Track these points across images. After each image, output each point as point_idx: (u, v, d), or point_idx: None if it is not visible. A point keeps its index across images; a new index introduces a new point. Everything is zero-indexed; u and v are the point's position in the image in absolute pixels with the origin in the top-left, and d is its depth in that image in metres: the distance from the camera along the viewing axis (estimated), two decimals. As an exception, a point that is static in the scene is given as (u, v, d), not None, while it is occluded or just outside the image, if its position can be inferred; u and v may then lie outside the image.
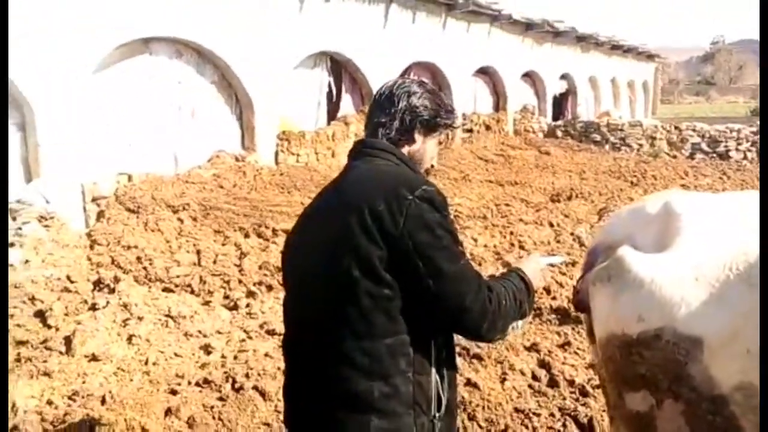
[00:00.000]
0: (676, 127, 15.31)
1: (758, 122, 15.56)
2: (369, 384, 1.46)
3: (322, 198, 1.67)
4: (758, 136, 14.48)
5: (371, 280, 1.45)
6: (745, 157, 14.15)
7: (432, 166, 1.75)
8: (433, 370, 1.52)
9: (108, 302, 4.65)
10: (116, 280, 5.05)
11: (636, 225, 1.92)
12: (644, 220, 1.90)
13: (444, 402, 1.54)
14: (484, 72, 15.31)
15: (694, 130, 15.13)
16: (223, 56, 8.59)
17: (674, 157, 14.33)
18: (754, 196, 1.87)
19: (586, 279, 1.91)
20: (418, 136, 1.66)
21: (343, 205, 1.52)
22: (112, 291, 4.88)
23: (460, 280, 1.46)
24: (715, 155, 14.41)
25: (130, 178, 7.46)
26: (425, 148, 1.69)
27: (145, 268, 5.45)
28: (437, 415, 1.52)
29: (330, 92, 11.06)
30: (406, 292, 1.46)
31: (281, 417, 3.01)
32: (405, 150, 1.65)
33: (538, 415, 3.03)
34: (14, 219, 5.77)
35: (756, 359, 1.58)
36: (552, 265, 1.90)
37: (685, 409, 1.69)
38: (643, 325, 1.70)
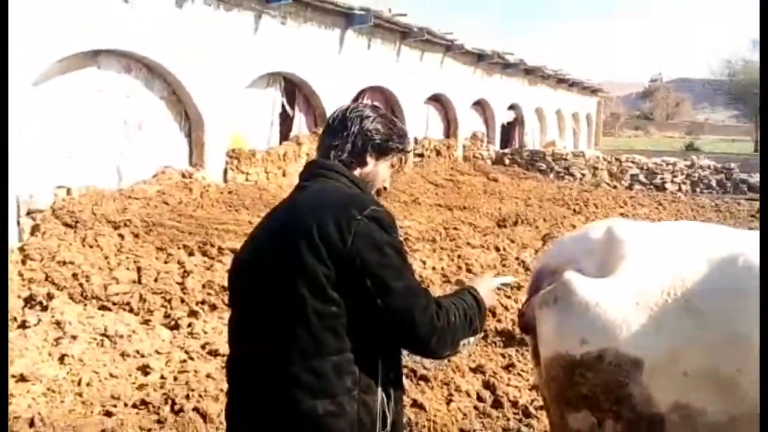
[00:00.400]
0: (616, 159, 15.98)
1: (692, 157, 16.42)
2: (314, 402, 1.45)
3: (272, 217, 1.66)
4: (692, 170, 15.26)
5: (319, 298, 1.45)
6: (679, 189, 14.88)
7: (384, 188, 1.78)
8: (380, 389, 1.52)
9: (39, 320, 4.42)
10: (49, 297, 4.81)
11: (580, 250, 1.97)
12: (587, 245, 1.96)
13: (389, 421, 1.54)
14: (436, 99, 15.61)
15: (633, 162, 15.83)
16: (174, 72, 8.44)
17: (614, 187, 14.93)
18: (690, 226, 1.96)
19: (532, 302, 1.95)
20: (370, 159, 1.67)
21: (293, 224, 1.52)
22: (44, 308, 4.65)
23: (408, 297, 1.47)
24: (652, 186, 15.09)
25: (69, 191, 7.16)
26: (377, 170, 1.70)
27: (81, 285, 5.21)
28: None
29: (283, 112, 11.01)
30: (354, 310, 1.46)
31: (222, 440, 2.92)
32: (357, 172, 1.66)
33: (483, 437, 3.04)
34: (-60, 230, 5.44)
35: (691, 380, 1.64)
36: (503, 285, 1.93)
37: (624, 428, 1.73)
38: (587, 346, 1.74)
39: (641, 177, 15.44)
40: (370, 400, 1.50)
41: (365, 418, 1.49)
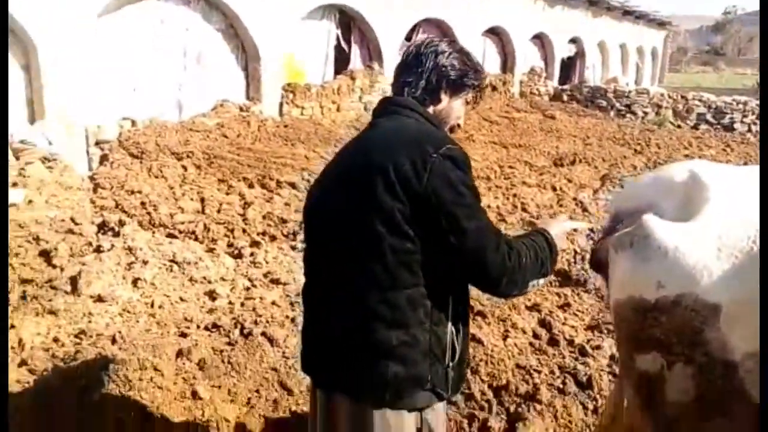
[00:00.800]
0: (682, 97, 15.15)
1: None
2: (389, 333, 1.51)
3: (346, 154, 1.67)
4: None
5: (395, 235, 1.47)
6: (749, 130, 14.07)
7: (458, 125, 1.76)
8: (450, 323, 1.58)
9: (113, 245, 4.66)
10: (120, 223, 5.05)
11: (659, 192, 1.91)
12: (668, 187, 1.90)
13: (458, 352, 1.60)
14: (494, 32, 15.02)
15: (700, 101, 14.98)
16: (230, 3, 8.39)
17: (679, 126, 14.24)
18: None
19: (607, 242, 1.92)
20: (444, 96, 1.67)
21: (367, 161, 1.53)
22: (116, 234, 4.88)
23: (480, 236, 1.48)
24: (719, 127, 14.31)
25: (133, 123, 7.38)
26: (451, 107, 1.69)
27: (149, 213, 5.44)
28: (450, 364, 1.59)
29: (338, 45, 10.85)
30: (427, 246, 1.50)
31: (289, 363, 3.08)
32: (431, 109, 1.67)
33: (539, 372, 3.09)
34: (17, 159, 5.73)
35: (771, 328, 1.61)
36: (575, 230, 1.92)
37: (695, 372, 1.72)
38: (663, 291, 1.71)
39: (708, 116, 14.64)
40: (441, 332, 1.56)
41: (436, 349, 1.56)
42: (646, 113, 14.95)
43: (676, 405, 1.72)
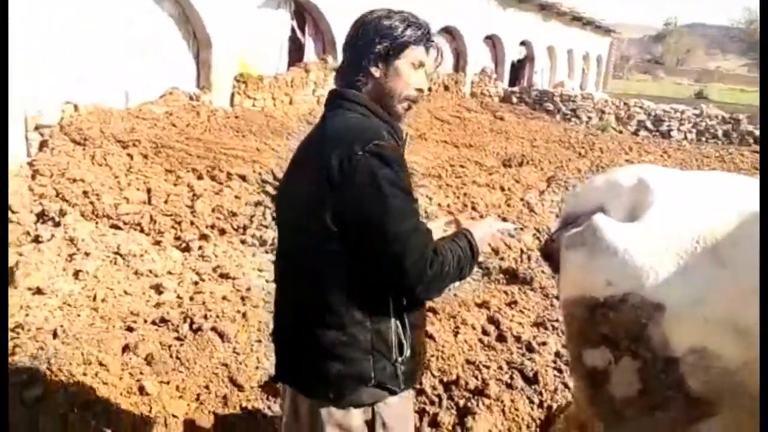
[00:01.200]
0: (624, 103, 15.75)
1: (701, 105, 16.19)
2: (327, 333, 1.51)
3: (299, 151, 1.65)
4: (700, 119, 15.10)
5: (324, 236, 1.46)
6: (685, 138, 14.76)
7: (420, 91, 1.59)
8: (393, 318, 1.54)
9: (53, 235, 4.48)
10: (61, 213, 4.86)
11: (609, 195, 1.99)
12: (618, 190, 1.97)
13: (407, 346, 1.57)
14: (448, 31, 15.18)
15: (641, 108, 15.61)
16: (182, -13, 8.17)
17: (620, 132, 14.80)
18: (721, 177, 1.97)
19: (559, 240, 1.98)
20: (375, 70, 1.54)
21: (308, 159, 1.53)
22: (57, 224, 4.70)
23: (401, 242, 1.40)
24: (657, 133, 14.95)
25: (76, 108, 7.07)
26: (390, 78, 1.54)
27: (92, 203, 5.25)
28: (399, 359, 1.56)
29: (293, 36, 10.72)
30: (355, 247, 1.45)
31: (240, 358, 3.04)
32: (369, 87, 1.55)
33: (488, 367, 3.16)
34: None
35: (710, 326, 1.70)
36: (504, 231, 1.88)
37: (640, 366, 1.80)
38: (612, 289, 1.78)
39: (648, 123, 15.27)
40: (384, 328, 1.53)
41: (379, 345, 1.53)
42: (590, 118, 15.46)
43: (622, 399, 1.80)
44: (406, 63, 1.54)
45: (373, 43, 1.52)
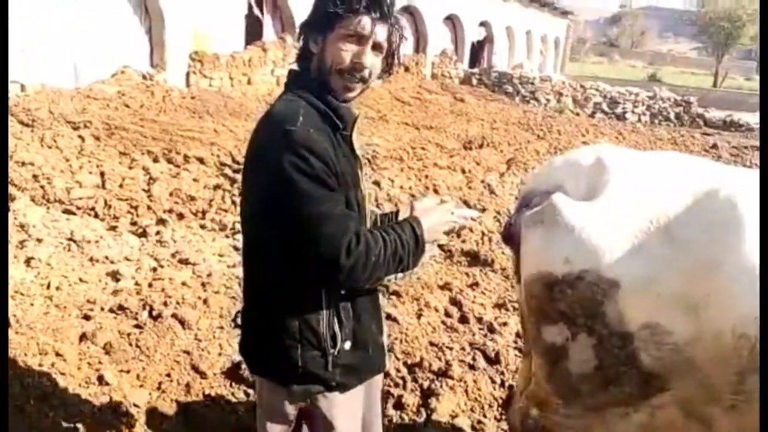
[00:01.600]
0: (581, 86, 16.04)
1: (654, 88, 16.62)
2: (261, 321, 1.55)
3: None
4: (653, 101, 15.51)
5: (249, 224, 1.51)
6: (639, 120, 15.15)
7: (356, 64, 1.45)
8: (324, 308, 1.49)
9: (2, 221, 4.29)
10: (11, 198, 4.66)
11: (568, 173, 2.02)
12: (576, 169, 2.01)
13: (342, 337, 1.52)
14: (408, 11, 15.09)
15: (597, 90, 15.93)
16: (132, -39, 7.86)
17: (577, 114, 15.07)
18: (676, 157, 2.03)
19: (519, 219, 2.01)
20: (313, 46, 1.48)
21: (247, 148, 1.54)
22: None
23: (312, 227, 1.36)
24: (613, 116, 15.30)
25: (23, 87, 6.78)
26: (327, 50, 1.45)
27: (42, 188, 5.06)
28: (332, 351, 1.51)
29: (250, 14, 10.48)
30: (273, 236, 1.42)
31: (201, 345, 3.00)
32: (313, 64, 1.49)
33: (451, 348, 3.21)
34: None
35: (662, 302, 1.77)
36: (463, 218, 1.77)
37: (596, 342, 1.86)
38: (569, 266, 1.82)
39: (604, 106, 15.60)
40: (313, 318, 1.49)
41: (308, 334, 1.49)
42: (548, 100, 15.70)
43: (578, 375, 1.86)
44: (339, 34, 1.44)
45: (310, 16, 1.49)
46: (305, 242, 1.37)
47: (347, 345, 1.54)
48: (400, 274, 1.55)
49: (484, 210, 5.90)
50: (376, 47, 1.48)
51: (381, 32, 1.47)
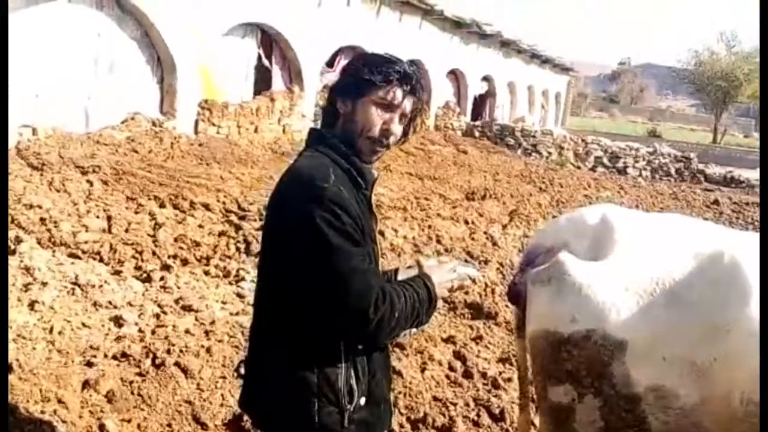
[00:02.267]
0: (582, 140, 16.28)
1: (655, 144, 16.87)
2: (276, 375, 1.53)
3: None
4: (654, 156, 15.71)
5: (274, 277, 1.51)
6: (640, 175, 15.31)
7: (386, 131, 1.54)
8: (344, 364, 1.51)
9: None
10: (17, 240, 4.70)
11: (574, 232, 2.06)
12: (582, 228, 2.05)
13: (358, 394, 1.53)
14: (413, 65, 15.47)
15: (598, 145, 16.16)
16: (147, 12, 8.12)
17: (578, 167, 15.25)
18: (680, 220, 2.07)
19: (525, 277, 2.03)
20: (341, 105, 1.55)
21: (271, 202, 1.56)
22: (12, 252, 4.53)
23: (342, 283, 1.40)
24: (614, 170, 15.47)
25: (34, 131, 6.91)
26: (356, 117, 1.53)
27: (49, 231, 5.09)
28: (349, 407, 1.51)
29: (259, 64, 10.77)
30: (300, 290, 1.45)
31: (204, 395, 2.97)
32: (338, 123, 1.56)
33: (455, 404, 3.17)
34: None
35: (669, 365, 1.77)
36: (463, 277, 1.79)
37: (602, 404, 1.85)
38: (576, 325, 1.84)
39: (605, 160, 15.79)
40: (332, 374, 1.50)
41: (327, 390, 1.49)
42: (550, 153, 15.91)
43: (586, 436, 1.84)
44: (371, 101, 1.51)
45: (344, 80, 1.56)
46: (335, 296, 1.41)
47: (362, 401, 1.54)
48: (414, 329, 1.59)
49: (487, 262, 5.92)
50: (402, 116, 1.57)
51: (408, 104, 1.57)
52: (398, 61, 1.57)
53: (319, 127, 1.65)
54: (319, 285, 1.42)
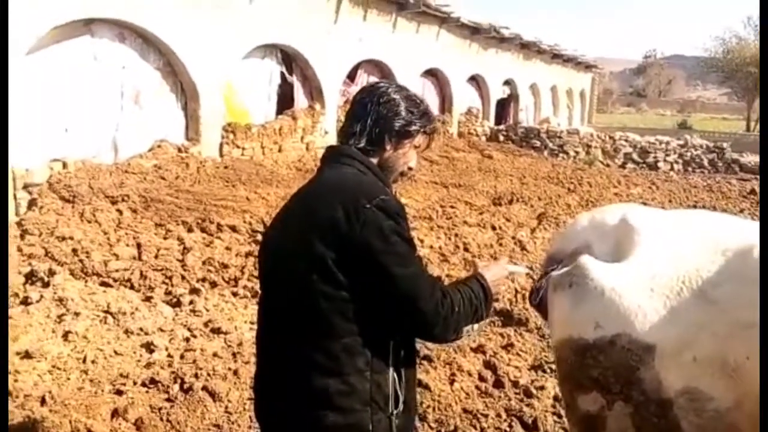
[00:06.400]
0: (610, 137, 16.00)
1: (685, 136, 16.46)
2: (325, 381, 1.52)
3: (293, 201, 1.71)
4: (685, 149, 15.33)
5: (327, 283, 1.51)
6: (671, 168, 14.96)
7: (410, 169, 1.76)
8: (391, 369, 1.57)
9: (42, 296, 4.43)
10: (50, 273, 4.81)
11: (595, 234, 2.00)
12: (603, 230, 1.99)
13: (401, 400, 1.59)
14: (432, 73, 15.49)
15: (626, 141, 15.86)
16: (168, 42, 8.31)
17: (607, 165, 14.98)
18: (704, 216, 1.99)
19: (546, 281, 1.97)
20: (388, 145, 1.68)
21: (305, 211, 1.59)
22: (46, 285, 4.64)
23: (412, 285, 1.52)
24: (644, 165, 15.15)
25: (65, 165, 7.10)
26: (397, 155, 1.70)
27: (81, 261, 5.21)
28: (395, 412, 1.57)
29: (283, 83, 10.90)
30: (362, 295, 1.52)
31: (232, 418, 2.97)
32: (376, 159, 1.67)
33: (486, 416, 3.11)
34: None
35: (700, 367, 1.69)
36: (513, 274, 1.96)
37: (633, 411, 1.78)
38: (601, 331, 1.77)
39: (634, 155, 15.49)
40: (382, 379, 1.55)
41: (377, 397, 1.55)
42: (577, 153, 15.67)
43: (617, 445, 1.77)
44: (410, 145, 1.71)
45: (394, 120, 1.66)
46: (406, 298, 1.51)
47: (402, 407, 1.59)
48: (476, 326, 1.71)
49: (532, 268, 5.82)
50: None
51: (426, 142, 1.79)
52: (427, 105, 1.77)
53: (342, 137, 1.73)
54: (389, 289, 1.51)
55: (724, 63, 35.28)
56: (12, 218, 6.20)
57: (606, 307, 1.78)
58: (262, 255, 1.74)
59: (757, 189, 11.00)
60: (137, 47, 8.26)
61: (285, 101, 11.08)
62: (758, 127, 33.77)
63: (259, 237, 6.17)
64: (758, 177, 13.35)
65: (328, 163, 1.68)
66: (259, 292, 1.73)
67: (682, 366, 1.70)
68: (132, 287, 4.94)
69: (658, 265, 1.78)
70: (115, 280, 4.99)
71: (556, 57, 23.17)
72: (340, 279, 1.50)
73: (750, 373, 1.63)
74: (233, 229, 6.34)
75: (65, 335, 3.98)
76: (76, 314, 4.25)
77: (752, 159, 14.98)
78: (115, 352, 3.82)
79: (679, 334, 1.70)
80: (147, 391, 3.17)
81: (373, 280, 1.50)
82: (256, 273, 5.29)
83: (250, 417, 2.98)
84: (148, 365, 3.54)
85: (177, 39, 8.38)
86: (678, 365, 1.71)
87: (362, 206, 1.49)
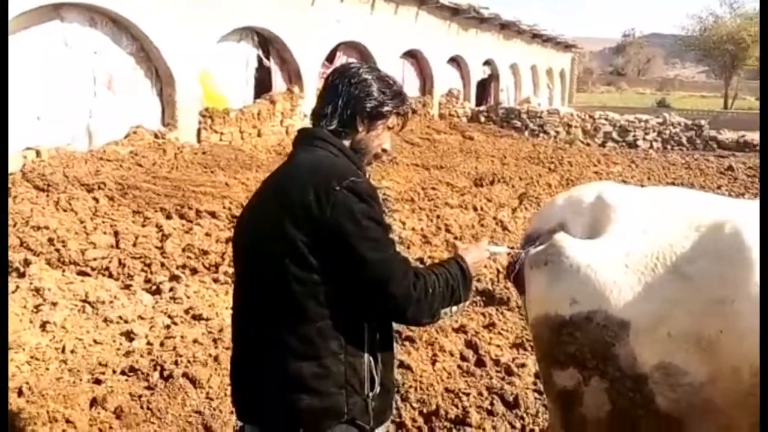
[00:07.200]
0: (590, 116, 16.08)
1: (664, 114, 16.60)
2: (300, 365, 1.52)
3: (267, 184, 1.70)
4: (664, 127, 15.47)
5: (300, 267, 1.50)
6: (651, 147, 15.09)
7: (384, 151, 1.74)
8: (366, 352, 1.57)
9: (17, 287, 4.35)
10: (26, 263, 4.73)
11: (570, 212, 2.00)
12: (578, 208, 1.99)
13: (377, 382, 1.60)
14: (412, 55, 15.39)
15: (606, 120, 15.94)
16: (141, 26, 8.14)
17: (588, 144, 15.07)
18: (679, 192, 2.00)
19: (523, 260, 1.98)
20: (361, 127, 1.66)
21: (277, 194, 1.58)
22: (21, 275, 4.57)
23: (383, 269, 1.51)
24: (624, 144, 15.26)
25: (38, 153, 6.97)
26: (370, 136, 1.68)
27: (57, 251, 5.12)
28: (371, 394, 1.58)
29: (260, 67, 10.75)
30: (334, 278, 1.51)
31: (213, 404, 2.96)
32: (348, 141, 1.65)
33: (468, 394, 3.13)
34: None
35: (674, 342, 1.71)
36: (494, 254, 1.95)
37: (609, 386, 1.80)
38: (577, 307, 1.78)
39: (614, 134, 15.59)
40: (357, 362, 1.55)
41: (353, 380, 1.55)
42: (557, 132, 15.73)
43: (593, 421, 1.79)
44: (384, 126, 1.68)
45: (366, 101, 1.63)
46: (378, 281, 1.50)
47: (378, 389, 1.59)
48: (455, 308, 1.69)
49: (513, 248, 5.85)
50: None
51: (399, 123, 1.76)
52: (400, 85, 1.73)
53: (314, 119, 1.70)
54: (360, 273, 1.50)
55: (701, 41, 35.53)
56: (-15, 208, 6.08)
57: (582, 284, 1.78)
58: (236, 237, 1.73)
59: (734, 166, 11.16)
60: (109, 32, 8.08)
61: (263, 85, 10.94)
62: (735, 104, 34.18)
63: (239, 222, 6.12)
64: (735, 154, 13.53)
65: (301, 146, 1.67)
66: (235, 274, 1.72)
67: (657, 341, 1.71)
68: (110, 276, 4.88)
69: (633, 241, 1.78)
70: (92, 269, 4.93)
71: (536, 37, 23.16)
72: (312, 262, 1.49)
73: (723, 348, 1.65)
74: (212, 215, 6.28)
75: (43, 325, 3.92)
76: (54, 304, 4.19)
77: (730, 136, 15.17)
78: (95, 341, 3.77)
79: (654, 310, 1.71)
80: (126, 380, 3.14)
81: (345, 263, 1.49)
82: (236, 259, 5.25)
83: (231, 403, 2.97)
84: (128, 354, 3.50)
85: (150, 23, 8.21)
86: (653, 341, 1.72)
87: (333, 188, 1.48)
